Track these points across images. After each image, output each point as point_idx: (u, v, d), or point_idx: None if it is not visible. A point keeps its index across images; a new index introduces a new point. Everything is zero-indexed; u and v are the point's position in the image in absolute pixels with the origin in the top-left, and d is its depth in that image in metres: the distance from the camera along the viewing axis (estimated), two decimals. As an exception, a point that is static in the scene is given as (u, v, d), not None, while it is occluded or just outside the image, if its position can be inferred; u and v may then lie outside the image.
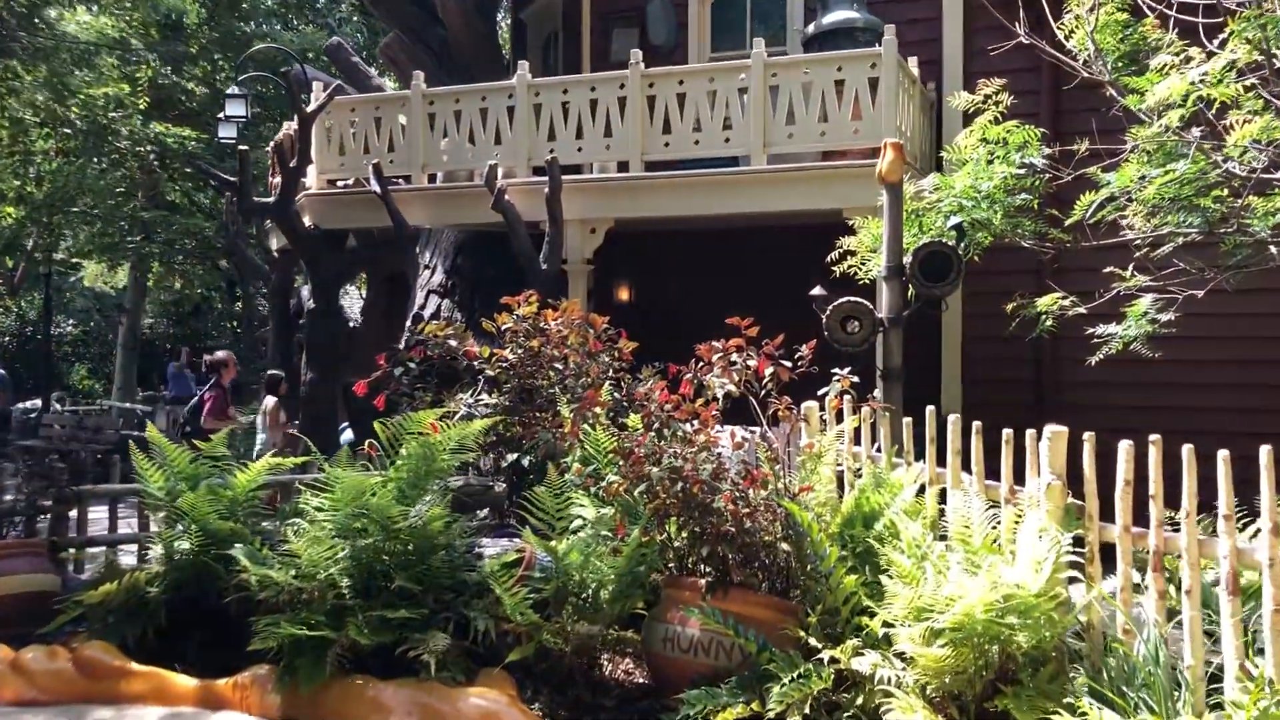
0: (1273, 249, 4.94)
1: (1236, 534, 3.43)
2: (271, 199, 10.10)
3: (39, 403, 17.92)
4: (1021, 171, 5.64)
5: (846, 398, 5.29)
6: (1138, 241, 5.36)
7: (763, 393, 5.01)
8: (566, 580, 4.57)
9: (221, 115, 12.78)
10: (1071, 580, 3.87)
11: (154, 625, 4.96)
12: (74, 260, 23.14)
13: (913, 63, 8.63)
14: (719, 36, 10.57)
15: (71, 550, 5.89)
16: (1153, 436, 3.62)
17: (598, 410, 5.73)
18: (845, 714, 3.87)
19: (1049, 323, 5.79)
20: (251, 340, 19.90)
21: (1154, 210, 5.02)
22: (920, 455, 4.83)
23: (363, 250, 11.23)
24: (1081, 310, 5.57)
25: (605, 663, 4.78)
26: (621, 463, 4.77)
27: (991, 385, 8.83)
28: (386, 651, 4.40)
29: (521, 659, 4.39)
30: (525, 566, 4.66)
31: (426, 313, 10.15)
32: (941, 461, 4.61)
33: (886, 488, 4.62)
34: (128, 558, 6.04)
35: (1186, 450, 3.49)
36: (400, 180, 9.76)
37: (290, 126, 10.37)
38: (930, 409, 4.82)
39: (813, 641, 4.08)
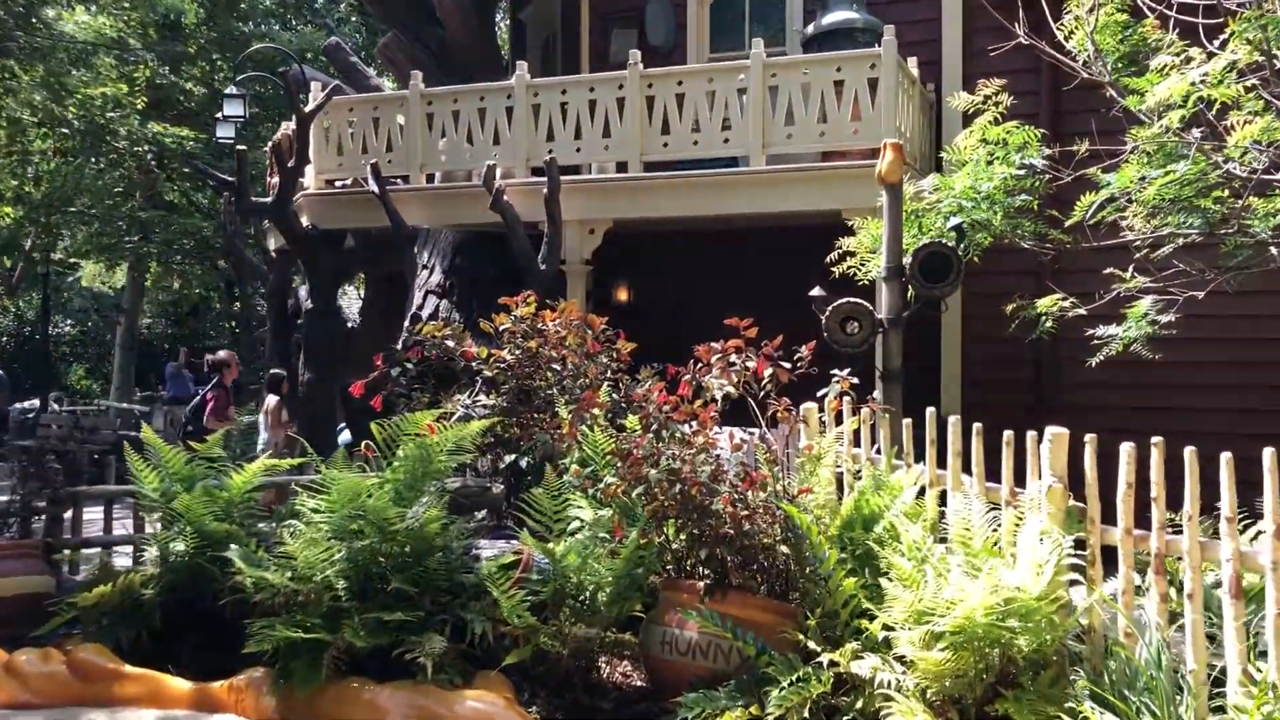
0: (1273, 250, 4.92)
1: (1239, 537, 3.40)
2: (269, 199, 10.08)
3: (36, 403, 17.88)
4: (1021, 172, 5.62)
5: (846, 399, 5.27)
6: (1138, 242, 5.34)
7: (762, 394, 4.98)
8: (564, 582, 4.54)
9: (219, 115, 12.76)
10: (1072, 583, 3.84)
11: (149, 627, 4.95)
12: (72, 260, 23.12)
13: (912, 63, 8.62)
14: (718, 37, 10.55)
15: (66, 551, 5.87)
16: (1155, 439, 3.60)
17: (596, 411, 5.71)
18: (845, 718, 3.85)
19: (1049, 324, 5.77)
20: (250, 340, 19.87)
21: (1154, 211, 5.00)
22: (920, 457, 4.80)
23: (361, 250, 11.20)
24: (1081, 311, 5.55)
25: (603, 665, 4.75)
26: (619, 464, 4.74)
27: (991, 386, 8.81)
28: (383, 654, 4.37)
29: (519, 662, 4.37)
30: (523, 568, 4.64)
31: (425, 313, 10.12)
32: (942, 463, 4.58)
33: (886, 490, 4.60)
34: (123, 559, 6.01)
35: (1189, 452, 3.46)
36: (398, 180, 9.74)
37: (288, 126, 10.34)
38: (930, 410, 4.79)
39: (812, 645, 4.06)
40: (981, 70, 7.46)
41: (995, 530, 4.10)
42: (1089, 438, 3.85)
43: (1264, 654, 3.30)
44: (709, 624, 4.22)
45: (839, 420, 5.36)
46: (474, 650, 4.44)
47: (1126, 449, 3.70)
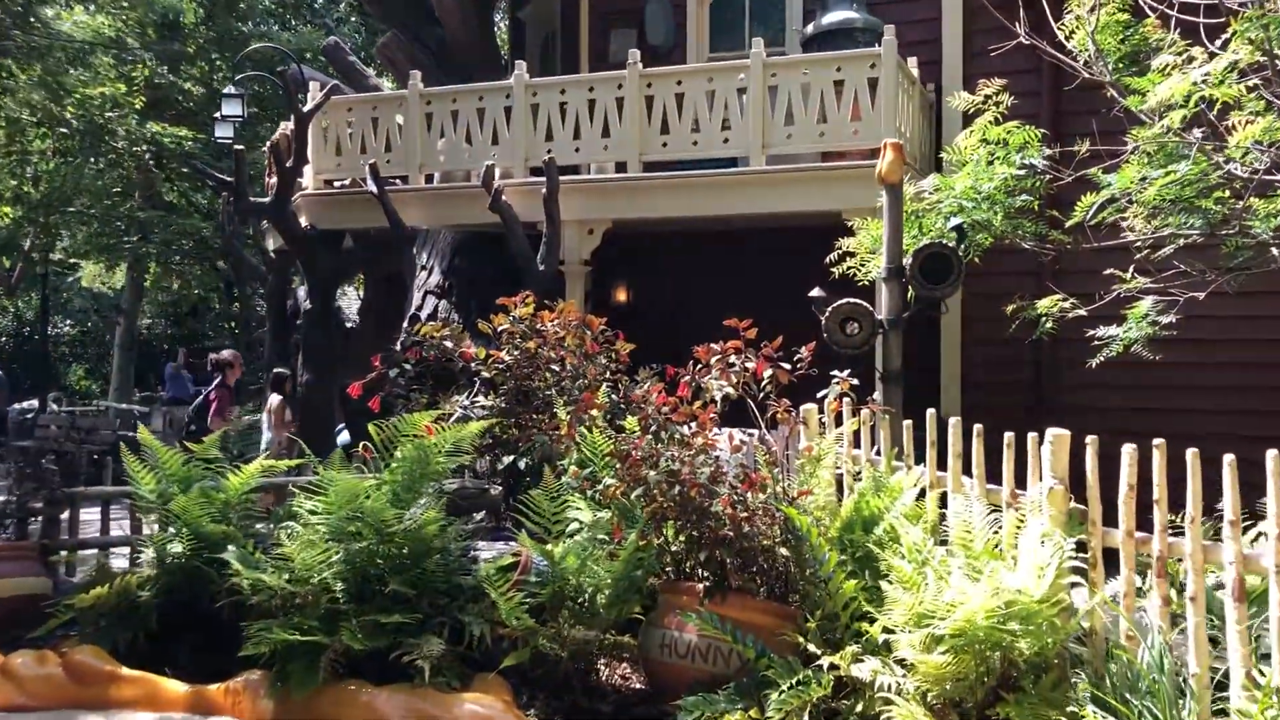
0: (1274, 251, 4.90)
1: (1242, 539, 3.38)
2: (268, 199, 10.05)
3: (35, 403, 17.86)
4: (1022, 172, 5.61)
5: (846, 400, 5.25)
6: (1138, 243, 5.33)
7: (761, 395, 4.97)
8: (563, 584, 4.52)
9: (218, 115, 12.74)
10: (1073, 585, 3.82)
11: (145, 629, 4.92)
12: (71, 260, 23.10)
13: (912, 63, 8.60)
14: (717, 37, 10.53)
15: (63, 553, 5.84)
16: (1157, 441, 3.58)
17: (594, 412, 5.70)
18: (844, 721, 3.83)
19: (1049, 325, 5.76)
20: (249, 341, 19.84)
21: (1155, 212, 4.99)
22: (920, 459, 4.78)
23: (359, 251, 11.17)
24: (1082, 312, 5.54)
25: (602, 668, 4.74)
26: (618, 465, 4.72)
27: (991, 387, 8.80)
28: (381, 656, 4.35)
29: (517, 664, 4.35)
30: (521, 570, 4.62)
31: (423, 314, 10.10)
32: (942, 465, 4.56)
33: (886, 492, 4.58)
34: (120, 560, 5.98)
35: (1191, 454, 3.44)
36: (397, 180, 9.72)
37: (287, 126, 10.32)
38: (931, 412, 4.77)
39: (812, 647, 4.04)
40: (982, 70, 7.44)
41: (996, 532, 4.08)
42: (1090, 439, 3.84)
43: (1267, 657, 3.29)
44: (708, 626, 4.20)
45: (839, 421, 5.34)
46: (472, 653, 4.42)
47: (1128, 450, 3.68)
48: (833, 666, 3.88)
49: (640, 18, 10.61)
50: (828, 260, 6.67)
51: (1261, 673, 3.26)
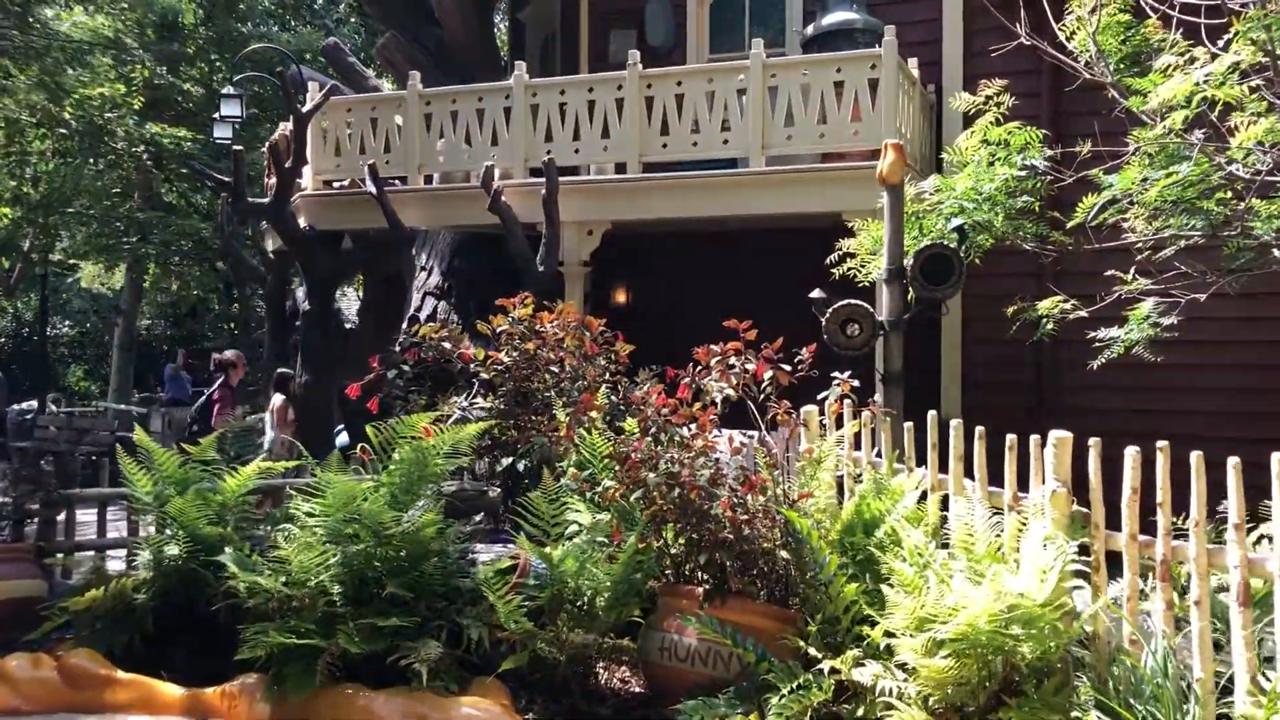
0: (1276, 252, 4.88)
1: (1247, 543, 3.36)
2: (267, 200, 10.03)
3: (35, 404, 17.84)
4: (1023, 173, 5.59)
5: (846, 402, 5.23)
6: (1139, 244, 5.31)
7: (761, 397, 4.94)
8: (562, 587, 4.50)
9: (217, 116, 12.71)
10: (1076, 589, 3.80)
11: (141, 632, 4.89)
12: (70, 261, 23.06)
13: (913, 64, 8.58)
14: (717, 37, 10.52)
15: (59, 555, 5.81)
16: (1160, 443, 3.56)
17: (594, 414, 5.67)
18: (845, 725, 3.80)
19: (1050, 326, 5.74)
20: (248, 342, 19.82)
21: (1156, 213, 4.97)
22: (922, 461, 4.76)
23: (358, 252, 11.15)
24: (1083, 313, 5.52)
25: (601, 671, 4.71)
26: (618, 468, 4.70)
27: (992, 389, 8.78)
28: (378, 660, 4.32)
29: (516, 668, 4.33)
30: (520, 573, 4.60)
31: (422, 315, 10.08)
32: (943, 467, 4.54)
33: (887, 494, 4.55)
34: (117, 563, 5.96)
35: (1195, 457, 3.42)
36: (396, 181, 9.70)
37: (286, 127, 10.30)
38: (932, 414, 4.75)
39: (812, 651, 4.01)
40: (982, 71, 7.43)
41: (998, 535, 4.05)
42: (1093, 442, 3.81)
43: (1271, 661, 3.26)
44: (708, 630, 4.17)
45: (839, 423, 5.31)
46: (470, 656, 4.39)
47: (1131, 453, 3.65)
48: (834, 670, 3.85)
49: (640, 18, 10.59)
50: (828, 261, 6.65)
51: (1266, 677, 3.24)
